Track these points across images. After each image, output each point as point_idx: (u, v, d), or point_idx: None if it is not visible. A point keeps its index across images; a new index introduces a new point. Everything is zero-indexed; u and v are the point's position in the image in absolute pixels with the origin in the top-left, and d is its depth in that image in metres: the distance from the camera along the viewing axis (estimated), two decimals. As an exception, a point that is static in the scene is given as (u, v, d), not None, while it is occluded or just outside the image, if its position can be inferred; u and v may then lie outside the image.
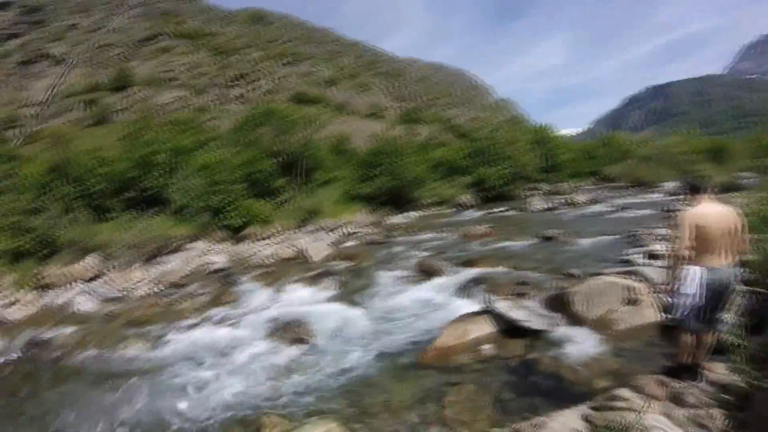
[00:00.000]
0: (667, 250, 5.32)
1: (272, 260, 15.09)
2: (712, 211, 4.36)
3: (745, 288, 5.50)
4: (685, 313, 4.41)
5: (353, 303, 9.51)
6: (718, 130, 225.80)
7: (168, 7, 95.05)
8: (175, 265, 14.60)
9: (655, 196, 27.63)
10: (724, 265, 4.32)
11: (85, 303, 11.28)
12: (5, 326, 10.28)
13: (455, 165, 37.06)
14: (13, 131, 46.96)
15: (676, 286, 4.43)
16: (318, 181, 27.53)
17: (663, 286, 4.87)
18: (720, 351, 4.63)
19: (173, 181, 19.41)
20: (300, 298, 10.29)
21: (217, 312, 9.78)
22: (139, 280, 12.91)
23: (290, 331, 8.02)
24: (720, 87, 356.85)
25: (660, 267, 8.66)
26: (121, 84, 56.35)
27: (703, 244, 4.28)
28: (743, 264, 4.71)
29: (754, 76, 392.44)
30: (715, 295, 4.31)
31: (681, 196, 4.95)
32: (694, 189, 4.61)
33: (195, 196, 18.60)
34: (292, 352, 7.36)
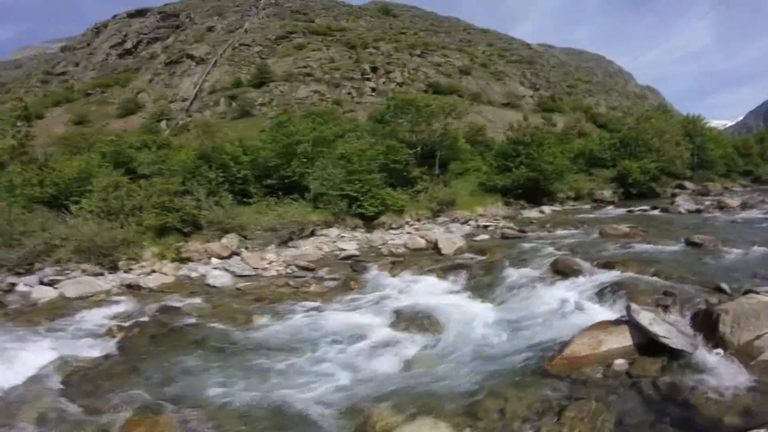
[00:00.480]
0: None
1: (403, 250, 15.31)
2: None
3: None
4: None
5: (482, 299, 9.40)
6: None
7: (297, 6, 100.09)
8: (307, 249, 15.32)
9: (821, 202, 24.32)
10: None
11: (218, 278, 12.07)
12: (141, 292, 11.30)
13: (596, 157, 35.30)
14: (165, 123, 52.11)
15: None
16: (453, 171, 27.63)
17: None
18: None
19: (312, 170, 20.44)
20: (428, 290, 10.31)
21: (344, 297, 10.11)
22: (271, 261, 13.73)
23: (414, 323, 8.05)
24: None
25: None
26: (260, 80, 60.06)
27: None
28: None
29: None
30: None
31: None
32: None
33: (332, 185, 19.38)
34: (412, 344, 7.37)
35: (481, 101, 69.09)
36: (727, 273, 9.89)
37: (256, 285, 11.70)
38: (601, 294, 8.76)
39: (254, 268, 13.20)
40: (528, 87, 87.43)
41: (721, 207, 23.66)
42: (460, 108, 31.02)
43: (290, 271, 12.99)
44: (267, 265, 13.48)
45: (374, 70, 68.99)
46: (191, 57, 70.24)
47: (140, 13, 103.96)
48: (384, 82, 67.29)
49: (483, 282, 10.56)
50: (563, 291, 9.27)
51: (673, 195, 32.58)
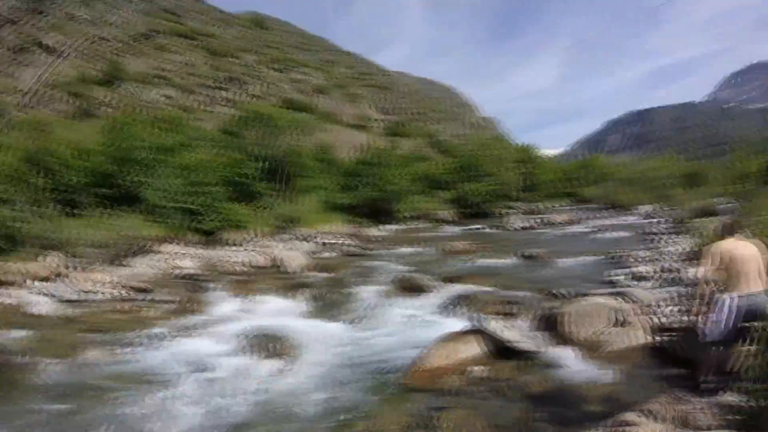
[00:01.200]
0: (696, 279, 5.27)
1: (245, 268, 14.46)
2: (740, 245, 4.76)
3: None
4: (715, 335, 4.73)
5: (331, 318, 9.06)
6: (694, 156, 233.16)
7: (170, 5, 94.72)
8: (142, 267, 13.84)
9: (632, 219, 27.94)
10: (757, 291, 4.61)
11: (41, 304, 10.36)
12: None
13: (437, 179, 37.04)
14: None
15: (707, 312, 4.86)
16: (299, 188, 27.06)
17: (694, 310, 5.22)
18: (730, 372, 4.69)
19: (151, 179, 18.79)
20: (273, 310, 9.76)
21: (184, 321, 9.14)
22: (102, 282, 12.12)
23: (263, 347, 7.46)
24: (699, 114, 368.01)
25: (647, 289, 8.81)
26: (110, 78, 55.65)
27: (735, 274, 4.64)
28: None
29: (732, 105, 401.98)
30: (748, 319, 4.57)
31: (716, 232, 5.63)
32: (725, 228, 5.10)
33: (171, 197, 17.93)
34: (264, 371, 6.81)
35: (333, 121, 69.90)
36: (560, 280, 10.69)
37: (86, 311, 10.14)
38: (448, 307, 8.95)
39: (83, 292, 11.48)
40: (379, 111, 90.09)
41: (549, 223, 26.03)
42: (310, 125, 30.73)
43: (124, 294, 11.43)
44: (97, 288, 11.80)
45: (231, 80, 67.32)
46: (41, 45, 62.28)
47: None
48: (239, 94, 65.65)
49: (330, 300, 10.25)
50: (411, 306, 9.33)
51: (507, 214, 34.94)
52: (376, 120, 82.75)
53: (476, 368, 6.26)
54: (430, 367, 6.29)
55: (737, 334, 4.62)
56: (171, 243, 16.54)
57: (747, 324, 4.58)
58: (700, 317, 5.02)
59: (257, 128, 26.36)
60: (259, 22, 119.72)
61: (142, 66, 61.78)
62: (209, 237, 17.93)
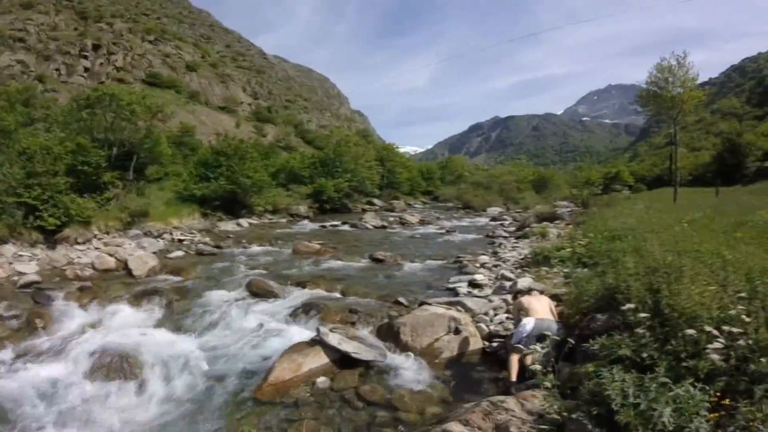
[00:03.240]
0: (512, 307, 7.86)
1: (91, 272, 13.58)
2: (534, 299, 6.95)
3: (556, 321, 6.71)
4: (519, 342, 6.30)
5: (182, 328, 8.88)
6: (545, 161, 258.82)
7: None
8: (-23, 274, 12.54)
9: (482, 221, 29.80)
10: (546, 318, 6.59)
11: None
12: None
13: (297, 173, 37.00)
14: None
15: (517, 327, 6.65)
16: (151, 177, 25.62)
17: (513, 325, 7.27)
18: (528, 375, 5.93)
19: (-15, 166, 16.69)
20: (122, 322, 9.33)
21: (30, 341, 8.42)
22: None
23: (114, 368, 7.13)
24: (555, 125, 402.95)
25: (480, 297, 9.52)
26: None
27: (533, 310, 6.65)
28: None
29: (586, 119, 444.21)
30: (541, 334, 6.01)
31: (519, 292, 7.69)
32: (520, 292, 7.54)
33: (8, 189, 16.12)
34: (116, 394, 6.60)
35: (199, 101, 67.29)
36: (405, 286, 11.43)
37: None
38: (296, 315, 9.15)
39: None
40: (249, 95, 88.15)
41: (403, 223, 27.21)
42: (168, 111, 29.06)
43: None
44: None
45: (96, 48, 62.20)
46: None
47: None
48: (102, 64, 60.98)
49: (180, 308, 9.98)
50: (260, 314, 9.40)
51: (364, 211, 36.51)
52: (244, 103, 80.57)
53: (321, 379, 6.60)
54: (278, 381, 6.50)
55: (532, 343, 5.95)
56: (9, 243, 14.93)
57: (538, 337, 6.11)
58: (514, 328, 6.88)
59: (107, 111, 24.31)
60: None
61: (2, 24, 55.90)
62: (51, 235, 16.27)
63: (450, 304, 8.87)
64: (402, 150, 67.77)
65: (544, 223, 21.48)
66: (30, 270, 13.10)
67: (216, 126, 58.18)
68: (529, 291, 7.52)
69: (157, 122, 27.88)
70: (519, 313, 6.85)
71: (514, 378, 6.13)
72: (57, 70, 54.72)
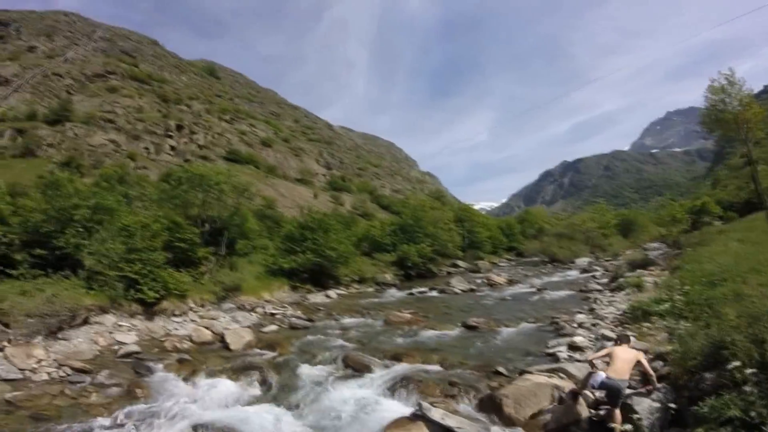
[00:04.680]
0: (590, 357, 7.83)
1: (188, 344, 14.15)
2: (623, 350, 7.17)
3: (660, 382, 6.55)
4: (589, 387, 7.05)
5: (281, 404, 8.92)
6: (623, 201, 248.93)
7: (129, 48, 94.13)
8: (81, 342, 13.21)
9: (572, 274, 28.81)
10: (621, 378, 6.73)
11: None
12: None
13: (378, 241, 37.14)
14: None
15: (593, 372, 7.12)
16: (241, 251, 26.55)
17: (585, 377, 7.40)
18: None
19: (89, 242, 18.00)
20: (221, 397, 9.52)
21: (131, 409, 8.72)
22: (40, 360, 11.44)
23: None
24: (625, 161, 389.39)
25: (581, 361, 9.15)
26: (58, 117, 54.14)
27: (613, 363, 6.91)
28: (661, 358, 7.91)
29: (655, 151, 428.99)
30: (610, 391, 6.75)
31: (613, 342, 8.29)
32: (620, 339, 7.68)
33: (111, 263, 17.24)
34: None
35: (277, 175, 69.83)
36: (502, 354, 11.07)
37: (27, 395, 9.51)
38: (394, 389, 9.00)
39: (21, 370, 10.77)
40: (323, 165, 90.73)
41: (491, 284, 26.48)
42: (252, 189, 30.45)
43: (64, 374, 10.81)
44: (36, 365, 11.09)
45: (180, 128, 66.48)
46: None
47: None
48: (185, 142, 64.96)
49: (278, 383, 10.10)
50: (357, 388, 9.35)
51: (449, 274, 35.75)
52: (318, 174, 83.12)
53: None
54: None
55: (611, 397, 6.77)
56: (110, 313, 15.83)
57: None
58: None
59: (198, 190, 25.77)
60: (211, 70, 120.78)
61: (92, 107, 60.69)
62: (150, 307, 17.14)
63: (551, 371, 8.58)
64: (477, 206, 67.51)
65: (638, 270, 20.68)
66: (129, 340, 13.83)
67: (295, 198, 60.07)
68: (620, 340, 7.66)
69: (244, 199, 29.13)
70: (603, 357, 7.37)
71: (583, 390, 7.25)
72: (146, 148, 58.36)
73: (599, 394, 7.12)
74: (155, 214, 22.12)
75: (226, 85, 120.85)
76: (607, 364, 7.05)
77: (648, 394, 6.71)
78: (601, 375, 6.85)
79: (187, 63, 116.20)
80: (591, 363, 7.34)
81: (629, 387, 6.90)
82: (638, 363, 6.93)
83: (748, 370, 4.49)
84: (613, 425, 6.53)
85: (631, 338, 8.62)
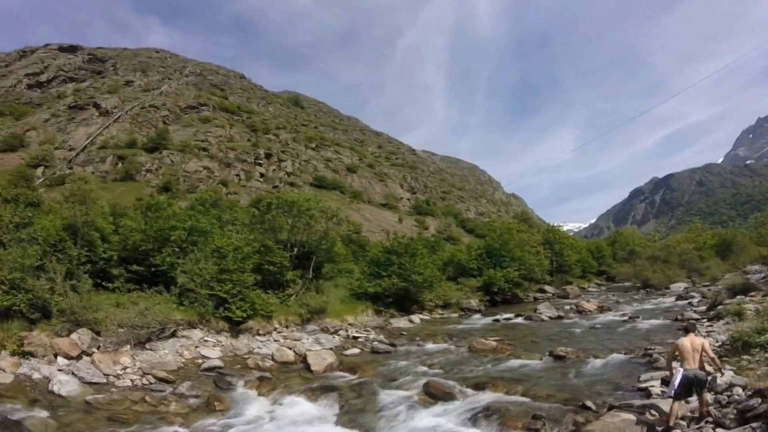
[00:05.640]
0: (665, 356, 8.99)
1: (270, 363, 14.39)
2: (688, 340, 7.74)
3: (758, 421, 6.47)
4: (674, 391, 7.38)
5: (357, 426, 8.85)
6: (719, 219, 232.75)
7: (218, 81, 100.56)
8: (166, 354, 13.78)
9: (667, 301, 27.37)
10: (695, 368, 7.44)
11: (65, 384, 10.33)
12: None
13: (464, 266, 36.62)
14: (42, 170, 48.25)
15: (671, 377, 7.70)
16: (327, 275, 27.01)
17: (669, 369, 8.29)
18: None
19: (184, 261, 18.97)
20: (299, 416, 9.54)
21: (208, 421, 9.04)
22: (126, 367, 12.05)
23: None
24: (719, 175, 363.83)
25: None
26: (155, 145, 58.53)
27: (685, 357, 7.54)
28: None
29: (750, 162, 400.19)
30: (691, 382, 7.32)
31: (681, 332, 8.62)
32: (686, 329, 8.26)
33: (202, 282, 18.06)
34: None
35: (362, 200, 70.99)
36: (590, 387, 10.51)
37: (108, 398, 10.05)
38: (476, 419, 8.68)
39: (106, 375, 11.48)
40: (407, 190, 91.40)
41: (580, 311, 25.33)
42: (341, 215, 31.08)
43: (147, 382, 11.44)
44: (121, 372, 11.82)
45: (268, 156, 69.46)
46: (97, 106, 67.08)
47: (72, 49, 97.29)
48: (274, 170, 67.69)
49: (356, 407, 9.96)
50: (437, 417, 9.10)
51: (536, 299, 34.72)
52: (403, 199, 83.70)
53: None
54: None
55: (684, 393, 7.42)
56: (197, 328, 16.49)
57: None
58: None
59: (288, 215, 26.61)
60: (296, 101, 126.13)
61: (187, 136, 64.80)
62: (236, 325, 17.74)
63: (643, 407, 8.09)
64: (565, 228, 65.23)
65: (738, 297, 19.31)
66: (213, 355, 14.21)
67: (380, 222, 60.72)
68: (687, 329, 8.22)
69: (332, 225, 29.71)
70: (674, 356, 7.90)
71: (671, 423, 7.22)
72: (237, 175, 61.35)
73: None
74: (247, 238, 22.99)
75: (311, 114, 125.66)
76: (679, 360, 7.65)
77: (714, 379, 8.06)
78: (678, 374, 7.36)
79: (272, 94, 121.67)
80: (669, 370, 8.11)
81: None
82: (704, 349, 7.57)
83: None
84: (704, 410, 7.35)
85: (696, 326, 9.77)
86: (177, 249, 19.56)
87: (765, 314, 12.64)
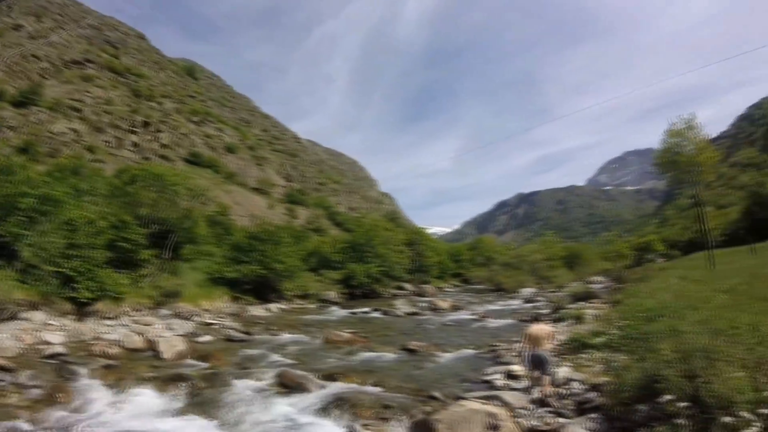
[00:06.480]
0: (521, 341, 9.76)
1: (118, 350, 13.52)
2: (537, 328, 9.35)
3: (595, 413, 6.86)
4: (528, 366, 9.20)
5: (207, 417, 8.52)
6: (572, 234, 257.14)
7: (115, 39, 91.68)
8: (4, 339, 12.60)
9: (515, 304, 29.16)
10: (540, 349, 8.95)
11: None
12: None
13: (328, 258, 36.99)
14: None
15: (523, 354, 9.38)
16: (185, 256, 25.87)
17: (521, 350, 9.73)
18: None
19: (30, 233, 17.21)
20: (147, 407, 9.03)
21: (51, 415, 8.25)
22: None
23: None
24: (579, 196, 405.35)
25: (517, 389, 9.30)
26: (24, 100, 52.64)
27: (534, 341, 9.09)
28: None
29: (608, 188, 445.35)
30: (537, 360, 8.90)
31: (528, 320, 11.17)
32: (535, 318, 10.84)
33: (48, 257, 16.52)
34: None
35: (235, 182, 69.08)
36: (439, 379, 11.03)
37: None
38: (327, 409, 8.75)
39: None
40: (283, 177, 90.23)
41: (435, 309, 26.59)
42: (209, 195, 29.93)
43: None
44: None
45: (146, 125, 65.33)
46: None
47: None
48: (149, 140, 63.66)
49: (208, 396, 9.64)
50: (289, 406, 9.10)
51: (394, 296, 35.85)
52: (277, 186, 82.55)
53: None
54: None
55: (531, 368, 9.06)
56: (41, 310, 15.16)
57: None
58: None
59: (151, 190, 25.08)
60: (191, 70, 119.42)
61: (62, 93, 59.34)
62: (83, 307, 16.46)
63: (487, 398, 8.58)
64: (430, 231, 68.11)
65: (580, 303, 20.99)
66: (57, 341, 13.26)
67: (250, 207, 59.49)
68: (534, 320, 10.41)
69: (198, 204, 28.52)
70: (526, 340, 9.30)
71: (532, 386, 9.07)
72: (107, 142, 57.21)
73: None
74: (103, 210, 21.41)
75: (203, 87, 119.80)
76: (531, 344, 9.13)
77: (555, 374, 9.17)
78: (528, 354, 9.09)
79: (168, 60, 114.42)
80: (522, 351, 9.49)
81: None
82: (547, 335, 9.28)
83: (681, 404, 4.64)
84: (542, 389, 8.59)
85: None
86: (25, 219, 17.60)
87: (602, 319, 14.01)
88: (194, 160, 66.33)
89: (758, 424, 4.02)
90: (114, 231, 20.50)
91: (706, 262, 23.58)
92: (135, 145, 60.97)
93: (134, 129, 62.85)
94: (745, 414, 4.18)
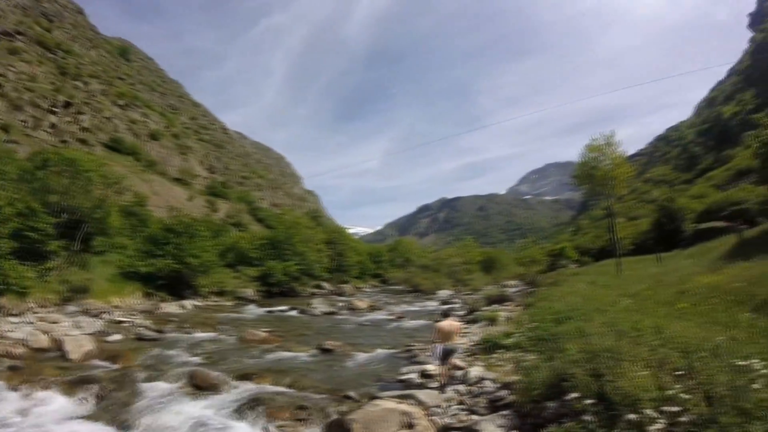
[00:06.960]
0: (432, 336, 10.36)
1: (23, 349, 12.77)
2: (447, 323, 10.07)
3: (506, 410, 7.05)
4: (438, 359, 9.76)
5: (115, 421, 8.15)
6: (491, 240, 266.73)
7: (52, 11, 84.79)
8: None
9: (432, 305, 29.67)
10: (450, 342, 9.75)
11: None
12: None
13: (246, 254, 36.39)
14: None
15: (434, 348, 9.85)
16: (96, 248, 24.56)
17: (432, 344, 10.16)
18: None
19: None
20: (52, 412, 8.53)
21: None
22: None
23: None
24: (499, 204, 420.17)
25: (432, 388, 9.41)
26: None
27: (444, 335, 9.78)
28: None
29: (527, 197, 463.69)
30: (447, 352, 9.69)
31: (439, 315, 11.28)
32: (445, 314, 10.94)
33: None
34: None
35: (156, 171, 66.50)
36: (355, 379, 11.10)
37: None
38: (241, 411, 8.58)
39: None
40: (206, 168, 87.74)
41: (352, 309, 26.83)
42: (126, 183, 28.57)
43: None
44: None
45: (68, 105, 61.16)
46: None
47: None
48: (69, 122, 59.80)
49: (117, 399, 9.18)
50: (203, 408, 8.88)
51: (312, 294, 35.87)
52: (199, 177, 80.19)
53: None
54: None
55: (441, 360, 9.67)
56: None
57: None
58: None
59: (64, 176, 23.57)
60: (124, 51, 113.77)
61: None
62: None
63: (402, 397, 8.66)
64: (352, 231, 68.60)
65: (494, 305, 21.60)
66: None
67: (169, 198, 57.43)
68: (445, 316, 10.77)
69: (113, 193, 27.18)
70: (437, 334, 9.89)
71: (443, 381, 9.46)
72: (24, 121, 53.07)
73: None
74: (9, 196, 19.90)
75: (134, 69, 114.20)
76: (442, 338, 9.76)
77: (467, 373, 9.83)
78: (439, 347, 9.67)
79: (102, 39, 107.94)
80: (433, 344, 9.98)
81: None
82: (456, 329, 10.16)
83: (587, 401, 4.86)
84: (446, 372, 9.63)
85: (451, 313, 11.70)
86: None
87: (514, 321, 14.49)
88: (115, 146, 63.34)
89: (662, 421, 4.26)
90: (20, 219, 19.14)
91: (615, 269, 24.86)
92: (53, 126, 57.14)
93: (54, 109, 58.83)
94: (649, 411, 4.42)
